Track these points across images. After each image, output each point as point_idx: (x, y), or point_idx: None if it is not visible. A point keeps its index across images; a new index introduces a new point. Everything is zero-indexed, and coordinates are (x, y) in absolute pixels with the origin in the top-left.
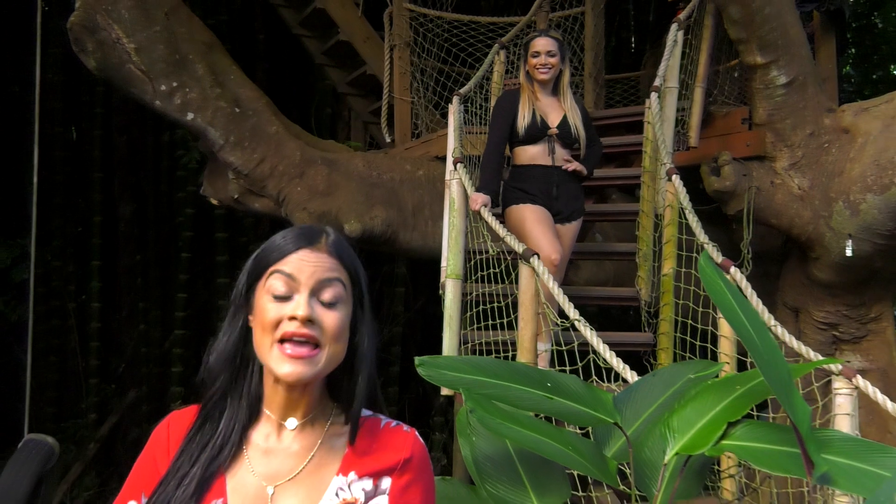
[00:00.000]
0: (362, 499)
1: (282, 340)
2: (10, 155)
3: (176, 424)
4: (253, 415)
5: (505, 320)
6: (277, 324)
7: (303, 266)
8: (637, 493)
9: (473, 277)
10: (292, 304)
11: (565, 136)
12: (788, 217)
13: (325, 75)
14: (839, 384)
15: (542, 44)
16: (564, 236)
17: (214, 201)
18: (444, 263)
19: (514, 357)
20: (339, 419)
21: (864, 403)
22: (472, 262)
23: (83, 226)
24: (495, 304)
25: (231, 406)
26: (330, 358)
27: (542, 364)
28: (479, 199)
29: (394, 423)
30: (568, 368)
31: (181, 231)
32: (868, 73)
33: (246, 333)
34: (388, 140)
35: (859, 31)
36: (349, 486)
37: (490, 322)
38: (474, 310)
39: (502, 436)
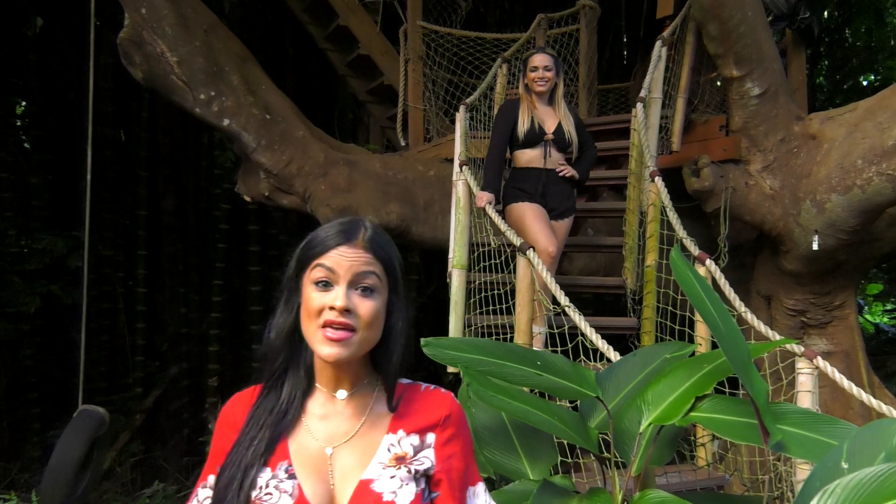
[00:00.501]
0: (411, 452)
1: (324, 325)
2: (66, 154)
3: (239, 403)
4: (309, 386)
5: (504, 306)
6: (320, 311)
7: (341, 261)
8: (617, 458)
9: (477, 267)
10: (332, 294)
11: (560, 140)
12: (761, 214)
13: (347, 85)
14: (801, 364)
15: (539, 60)
16: (558, 231)
17: (247, 197)
18: (450, 255)
19: (511, 338)
20: (390, 389)
21: (829, 383)
22: (476, 254)
23: (130, 218)
24: (496, 292)
25: (290, 378)
26: (363, 341)
27: (538, 345)
28: (484, 197)
29: (432, 386)
30: (559, 349)
31: (218, 224)
32: (839, 84)
33: (299, 314)
34: (402, 143)
35: (831, 45)
36: (399, 443)
37: (491, 307)
38: (477, 296)
39: (496, 407)
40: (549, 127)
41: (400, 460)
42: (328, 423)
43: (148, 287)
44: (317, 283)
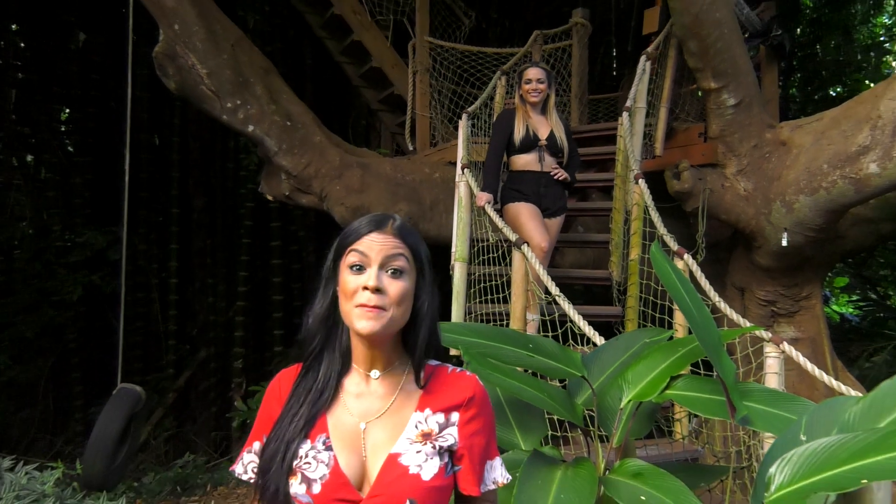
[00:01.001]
0: (436, 430)
1: (359, 305)
2: (105, 157)
3: (285, 379)
4: (345, 367)
5: (501, 295)
6: (355, 292)
7: (372, 245)
8: (600, 432)
9: (477, 261)
10: (365, 275)
11: (552, 146)
12: (736, 213)
13: (361, 95)
14: (769, 349)
15: (533, 73)
16: (551, 228)
17: (270, 197)
18: (453, 249)
19: (507, 324)
20: (419, 370)
21: (797, 366)
22: (476, 249)
23: (164, 216)
24: (494, 283)
25: (327, 359)
26: (394, 317)
27: (531, 331)
28: (484, 197)
29: (458, 369)
30: (551, 334)
31: (243, 221)
32: (811, 94)
33: (336, 300)
34: (410, 148)
35: (803, 60)
36: (426, 420)
37: (489, 297)
38: (477, 286)
39: (493, 385)
40: (543, 134)
41: (426, 437)
42: (362, 401)
43: (179, 278)
44: (351, 268)
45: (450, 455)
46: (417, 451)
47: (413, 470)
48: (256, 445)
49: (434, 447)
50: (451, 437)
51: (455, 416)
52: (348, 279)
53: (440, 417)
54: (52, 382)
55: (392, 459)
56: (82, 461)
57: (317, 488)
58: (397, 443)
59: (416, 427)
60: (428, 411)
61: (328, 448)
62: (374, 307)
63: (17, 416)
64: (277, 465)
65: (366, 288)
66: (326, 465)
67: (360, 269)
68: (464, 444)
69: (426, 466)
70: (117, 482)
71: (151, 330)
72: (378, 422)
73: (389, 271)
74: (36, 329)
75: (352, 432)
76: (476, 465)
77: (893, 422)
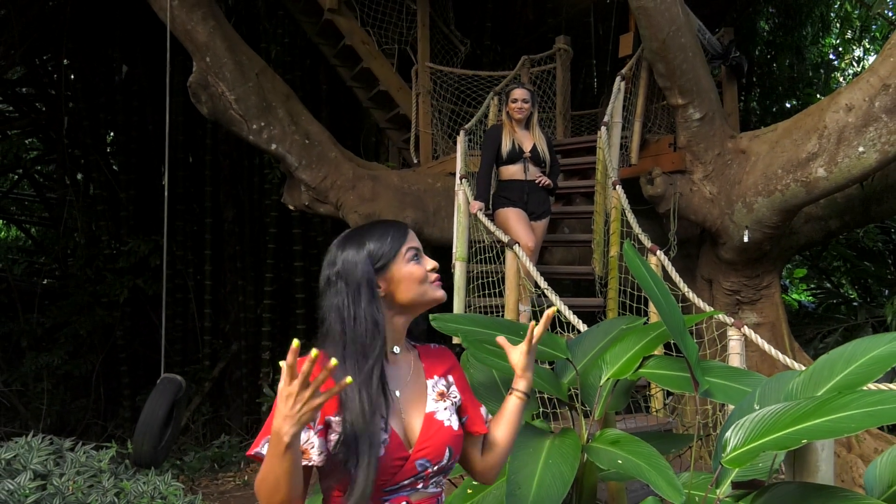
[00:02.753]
0: (446, 390)
1: (431, 282)
2: (147, 174)
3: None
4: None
5: (496, 290)
6: (425, 274)
7: (416, 239)
8: (583, 407)
9: (475, 260)
10: (425, 261)
11: (535, 157)
12: (703, 214)
13: (370, 115)
14: (731, 332)
15: (518, 93)
16: (537, 229)
17: (291, 207)
18: (454, 250)
19: (502, 315)
20: (414, 347)
21: (759, 348)
22: (474, 249)
23: (198, 225)
24: (490, 279)
25: (380, 348)
26: None
27: (524, 321)
28: (476, 205)
29: (434, 345)
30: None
31: (268, 228)
32: (769, 107)
33: (379, 306)
34: (415, 161)
35: (761, 76)
36: (437, 384)
37: (486, 291)
38: (475, 283)
39: (489, 367)
40: (527, 147)
41: (442, 395)
42: (390, 373)
43: (213, 280)
44: (412, 259)
45: (456, 409)
46: (445, 408)
47: (447, 423)
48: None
49: (451, 403)
50: (455, 395)
51: (451, 378)
52: (414, 268)
53: (444, 381)
54: (102, 375)
55: (430, 417)
56: (132, 442)
57: (381, 451)
58: (427, 403)
59: (433, 390)
60: (436, 377)
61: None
62: (439, 279)
63: (74, 405)
64: (370, 441)
65: (433, 270)
66: (385, 430)
67: (417, 258)
68: (465, 398)
69: (452, 420)
70: (163, 460)
71: (189, 327)
72: (406, 389)
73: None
74: (88, 328)
75: (391, 399)
76: (477, 410)
77: (829, 391)
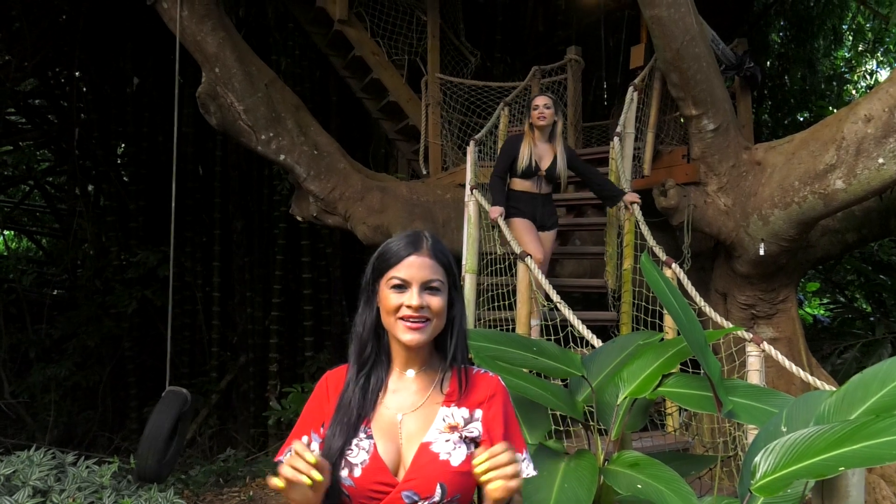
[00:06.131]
0: (462, 423)
1: (402, 318)
2: (157, 185)
3: (332, 379)
4: (388, 367)
5: (507, 303)
6: (398, 308)
7: (412, 270)
8: (599, 426)
9: (485, 272)
10: (407, 295)
11: (550, 175)
12: (717, 226)
13: (380, 126)
14: (750, 348)
15: (540, 100)
16: (546, 240)
17: (300, 218)
18: (464, 262)
19: (513, 329)
20: (451, 371)
21: (775, 363)
22: (484, 261)
23: (208, 236)
24: (500, 291)
25: (377, 362)
26: (434, 328)
27: (534, 335)
28: (497, 211)
29: (482, 370)
30: (553, 338)
31: (277, 240)
32: (781, 120)
33: (379, 312)
34: (424, 172)
35: (773, 89)
36: (451, 415)
37: (496, 304)
38: (486, 295)
39: None
40: (544, 164)
41: (453, 428)
42: (398, 395)
43: (221, 292)
44: (393, 287)
45: (475, 445)
46: (446, 440)
47: (443, 457)
48: (304, 439)
49: (461, 437)
50: (476, 429)
51: (479, 412)
52: (391, 296)
53: (465, 412)
54: (110, 386)
55: (424, 448)
56: (136, 456)
57: (357, 472)
58: (428, 433)
59: (444, 420)
60: (454, 406)
61: (369, 437)
62: (418, 320)
63: (81, 416)
64: (334, 453)
65: (409, 306)
66: (367, 451)
67: (401, 288)
68: (486, 437)
69: (455, 454)
70: (167, 475)
71: (197, 338)
72: (412, 414)
73: (428, 289)
74: (97, 339)
75: (390, 423)
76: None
77: (863, 413)
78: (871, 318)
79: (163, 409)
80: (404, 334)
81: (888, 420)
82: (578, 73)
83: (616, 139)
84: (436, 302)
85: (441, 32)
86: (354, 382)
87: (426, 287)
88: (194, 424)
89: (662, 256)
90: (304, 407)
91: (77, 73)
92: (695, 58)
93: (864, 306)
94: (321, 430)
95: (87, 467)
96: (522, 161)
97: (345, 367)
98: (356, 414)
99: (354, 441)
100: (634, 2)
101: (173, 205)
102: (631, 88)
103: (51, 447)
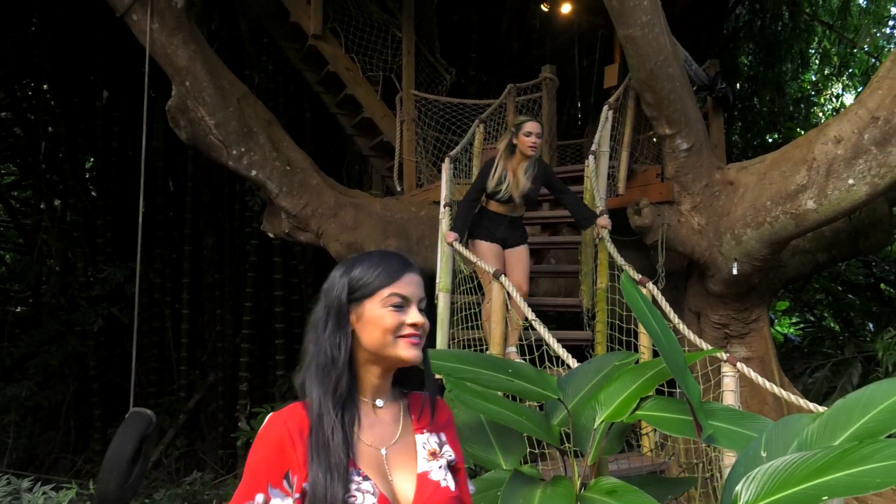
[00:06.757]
0: (438, 448)
1: (403, 336)
2: (125, 201)
3: (291, 421)
4: (356, 400)
5: (480, 322)
6: (399, 326)
7: (410, 287)
8: (575, 450)
9: (459, 290)
10: (410, 313)
11: (525, 199)
12: (691, 246)
13: (354, 142)
14: (726, 368)
15: (533, 127)
16: (517, 257)
17: (272, 235)
18: (437, 280)
19: (487, 348)
20: (405, 397)
21: (748, 382)
22: (458, 279)
23: (177, 253)
24: (474, 310)
25: (349, 395)
26: (423, 346)
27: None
28: (452, 235)
29: (428, 394)
30: (528, 357)
31: (248, 256)
32: (750, 141)
33: (353, 337)
34: (398, 189)
35: (743, 111)
36: (428, 441)
37: (471, 324)
38: (460, 314)
39: (474, 410)
40: (520, 191)
41: (434, 454)
42: (375, 429)
43: (191, 309)
44: (393, 306)
45: (450, 468)
46: (439, 467)
47: (443, 484)
48: (260, 498)
49: (445, 462)
50: (448, 453)
51: (444, 436)
52: (388, 315)
53: (436, 437)
54: (73, 406)
55: (423, 478)
56: (96, 481)
57: None
58: (419, 463)
59: (424, 447)
60: (426, 433)
61: (365, 478)
62: (418, 337)
63: (42, 438)
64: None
65: (413, 324)
66: (373, 494)
67: (400, 307)
68: (458, 458)
69: (448, 480)
70: (130, 500)
71: (165, 357)
72: (395, 447)
73: (420, 308)
74: (60, 357)
75: (375, 459)
76: (466, 475)
77: (847, 439)
78: (840, 338)
79: (125, 431)
80: (406, 350)
81: (872, 446)
82: (553, 91)
83: (591, 157)
84: (426, 321)
85: (416, 49)
86: (329, 419)
87: (419, 305)
88: (161, 445)
89: (636, 276)
90: (252, 457)
91: (45, 86)
92: (668, 77)
93: (833, 325)
94: (284, 482)
95: (43, 493)
96: (497, 186)
97: (295, 407)
98: (345, 454)
99: (353, 486)
100: (607, 22)
101: (140, 218)
102: (606, 107)
103: (8, 471)
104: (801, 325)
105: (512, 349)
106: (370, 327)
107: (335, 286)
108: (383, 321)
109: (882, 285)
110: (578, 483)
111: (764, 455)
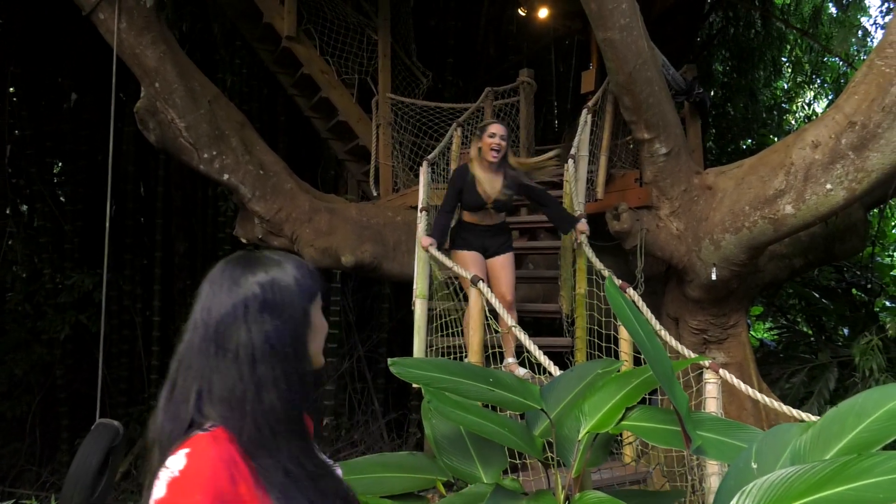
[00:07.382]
0: None
1: None
2: (94, 206)
3: (234, 466)
4: None
5: (459, 329)
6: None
7: None
8: (558, 461)
9: (437, 297)
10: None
11: (498, 205)
12: (669, 251)
13: (329, 146)
14: (708, 375)
15: (497, 128)
16: (501, 266)
17: (244, 240)
18: (414, 286)
19: (465, 356)
20: None
21: (726, 388)
22: (435, 285)
23: (148, 259)
24: (452, 317)
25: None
26: None
27: (516, 371)
28: (427, 241)
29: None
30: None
31: None
32: (725, 147)
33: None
34: (374, 194)
35: (717, 117)
36: None
37: (449, 331)
38: (438, 321)
39: (453, 421)
40: (492, 195)
41: None
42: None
43: (162, 316)
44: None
45: None
46: None
47: None
48: None
49: None
50: None
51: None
52: (323, 321)
53: None
54: (39, 416)
55: None
56: (60, 496)
57: None
58: None
59: None
60: None
61: None
62: None
63: (6, 449)
64: None
65: None
66: None
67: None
68: None
69: None
70: None
71: (135, 365)
72: None
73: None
74: (25, 366)
75: None
76: None
77: (841, 450)
78: (815, 343)
79: (90, 444)
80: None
81: (871, 459)
82: (531, 95)
83: (570, 161)
84: None
85: (392, 52)
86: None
87: None
88: (130, 456)
89: (617, 281)
90: None
91: (11, 89)
92: (647, 81)
93: (807, 330)
94: None
95: None
96: (470, 194)
97: (229, 448)
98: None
99: None
100: (584, 28)
101: (107, 223)
102: (585, 111)
103: None
104: (776, 331)
105: (511, 360)
106: (318, 337)
107: (293, 291)
108: (324, 328)
109: (854, 290)
110: (562, 497)
111: (755, 466)
